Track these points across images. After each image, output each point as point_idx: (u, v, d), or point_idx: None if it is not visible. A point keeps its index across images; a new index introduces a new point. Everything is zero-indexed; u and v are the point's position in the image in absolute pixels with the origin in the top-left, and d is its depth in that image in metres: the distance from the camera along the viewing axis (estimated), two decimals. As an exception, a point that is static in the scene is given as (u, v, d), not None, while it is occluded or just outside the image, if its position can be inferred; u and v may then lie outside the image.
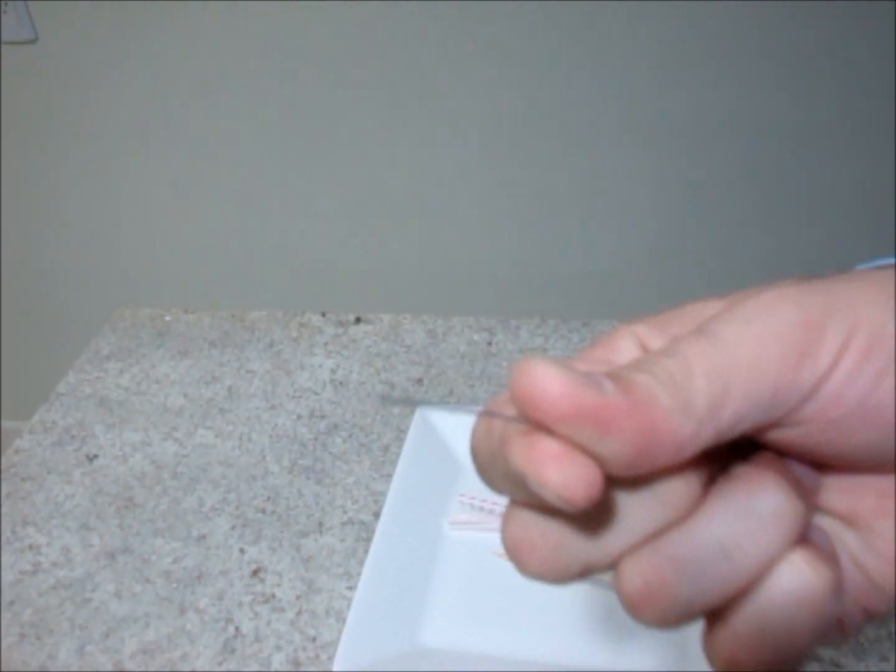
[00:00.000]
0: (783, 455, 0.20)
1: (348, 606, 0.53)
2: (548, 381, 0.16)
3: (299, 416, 0.69)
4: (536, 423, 0.17)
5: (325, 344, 0.76)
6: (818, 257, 1.24)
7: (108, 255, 1.37)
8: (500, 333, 0.76)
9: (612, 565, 0.19)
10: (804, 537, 0.19)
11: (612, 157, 1.19)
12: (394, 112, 1.19)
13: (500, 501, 0.56)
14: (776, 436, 0.19)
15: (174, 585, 0.56)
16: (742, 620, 0.19)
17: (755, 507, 0.18)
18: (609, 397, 0.17)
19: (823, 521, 0.21)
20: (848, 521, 0.21)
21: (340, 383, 0.72)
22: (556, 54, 1.12)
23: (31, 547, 0.59)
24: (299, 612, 0.54)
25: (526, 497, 0.18)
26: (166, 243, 1.35)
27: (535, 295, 1.33)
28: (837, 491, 0.21)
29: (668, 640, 0.49)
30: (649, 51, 1.10)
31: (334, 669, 0.47)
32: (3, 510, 0.62)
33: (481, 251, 1.30)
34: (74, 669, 0.51)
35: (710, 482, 0.19)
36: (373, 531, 0.56)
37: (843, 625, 0.20)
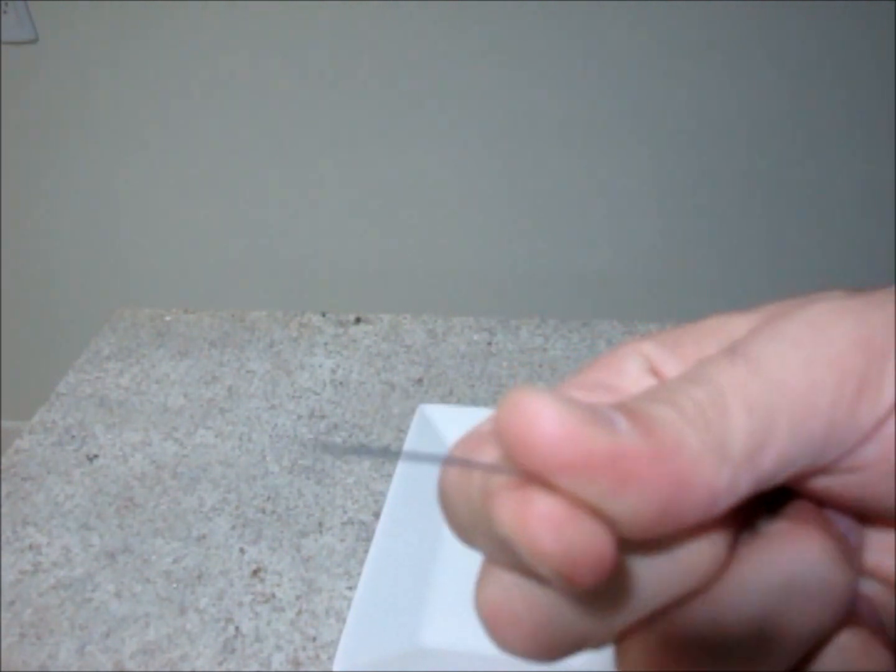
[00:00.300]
0: (822, 504, 0.16)
1: (348, 606, 0.53)
2: (546, 419, 0.13)
3: (299, 416, 0.69)
4: (529, 473, 0.13)
5: (325, 344, 0.76)
6: (820, 258, 1.24)
7: (108, 255, 1.37)
8: (500, 333, 0.76)
9: (614, 641, 0.15)
10: (853, 612, 0.15)
11: (612, 157, 1.19)
12: (394, 112, 1.19)
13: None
14: (822, 484, 0.15)
15: (174, 585, 0.56)
16: None
17: (798, 576, 0.15)
18: (625, 440, 0.13)
19: (866, 585, 0.17)
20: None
21: (340, 383, 0.72)
22: (556, 54, 1.12)
23: (31, 547, 0.59)
24: (299, 612, 0.54)
25: (512, 562, 0.14)
26: (166, 243, 1.35)
27: (535, 295, 1.33)
28: (884, 550, 0.17)
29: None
30: (649, 51, 1.10)
31: (334, 669, 0.47)
32: (3, 510, 0.62)
33: (481, 251, 1.30)
34: (74, 669, 0.51)
35: (734, 541, 0.16)
36: (373, 531, 0.56)
37: None
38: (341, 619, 0.53)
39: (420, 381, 0.71)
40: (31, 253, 1.38)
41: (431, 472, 0.56)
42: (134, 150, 1.26)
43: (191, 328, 0.79)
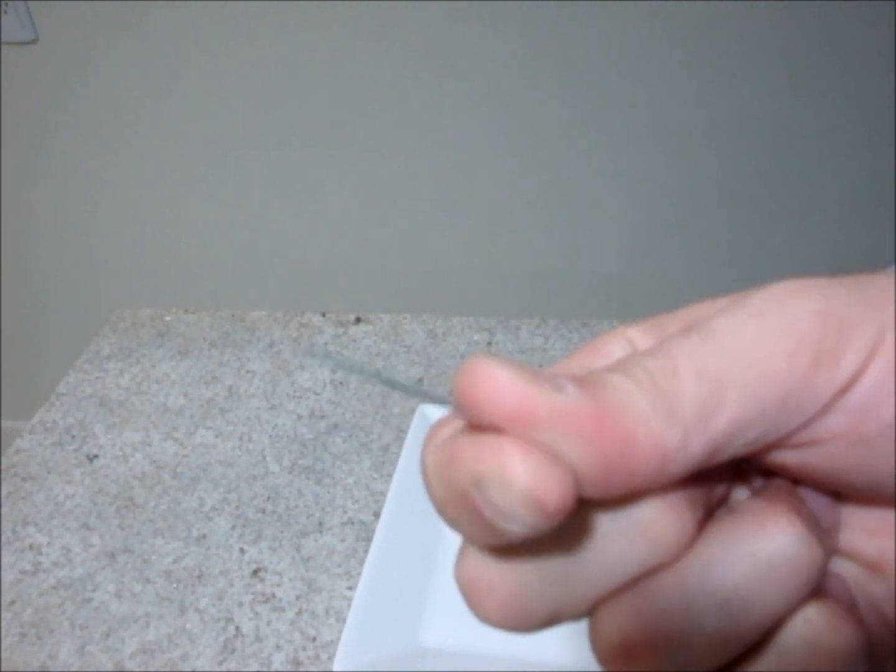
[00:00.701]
0: (797, 483, 0.17)
1: (348, 606, 0.53)
2: (495, 378, 0.14)
3: (299, 416, 0.69)
4: (485, 427, 0.14)
5: (325, 344, 0.76)
6: (820, 258, 1.24)
7: (109, 255, 1.37)
8: (500, 333, 0.76)
9: (587, 613, 0.16)
10: (820, 588, 0.16)
11: (613, 157, 1.19)
12: (393, 112, 1.19)
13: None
14: (791, 458, 0.16)
15: (174, 585, 0.56)
16: None
17: (764, 551, 0.15)
18: (569, 398, 0.14)
19: (842, 566, 0.17)
20: (873, 567, 0.17)
21: (340, 383, 0.72)
22: (557, 54, 1.12)
23: (31, 547, 0.59)
24: (299, 612, 0.54)
25: (479, 531, 0.14)
26: (166, 243, 1.35)
27: (535, 295, 1.33)
28: (861, 530, 0.17)
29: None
30: (649, 50, 1.10)
31: (334, 669, 0.47)
32: (4, 510, 0.62)
33: (481, 251, 1.30)
34: (75, 669, 0.51)
35: (709, 517, 0.16)
36: (373, 531, 0.56)
37: None
38: (341, 619, 0.53)
39: (420, 381, 0.71)
40: (31, 253, 1.38)
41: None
42: (134, 150, 1.26)
43: (191, 328, 0.79)
